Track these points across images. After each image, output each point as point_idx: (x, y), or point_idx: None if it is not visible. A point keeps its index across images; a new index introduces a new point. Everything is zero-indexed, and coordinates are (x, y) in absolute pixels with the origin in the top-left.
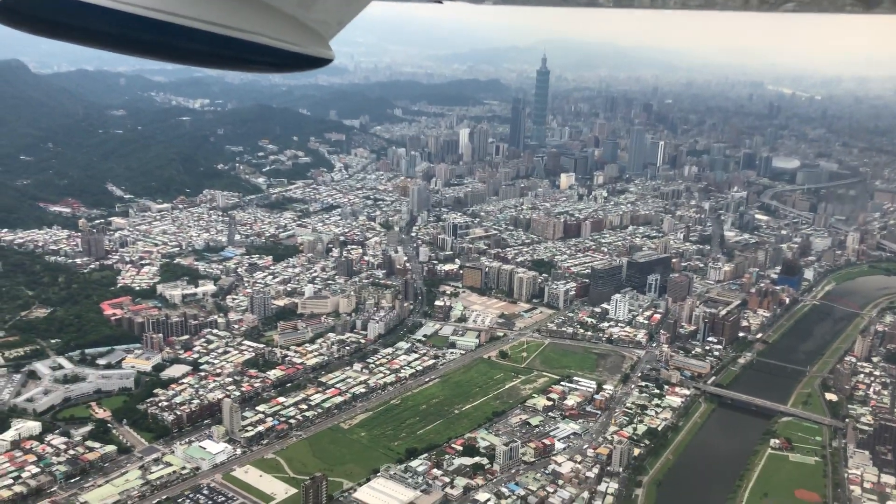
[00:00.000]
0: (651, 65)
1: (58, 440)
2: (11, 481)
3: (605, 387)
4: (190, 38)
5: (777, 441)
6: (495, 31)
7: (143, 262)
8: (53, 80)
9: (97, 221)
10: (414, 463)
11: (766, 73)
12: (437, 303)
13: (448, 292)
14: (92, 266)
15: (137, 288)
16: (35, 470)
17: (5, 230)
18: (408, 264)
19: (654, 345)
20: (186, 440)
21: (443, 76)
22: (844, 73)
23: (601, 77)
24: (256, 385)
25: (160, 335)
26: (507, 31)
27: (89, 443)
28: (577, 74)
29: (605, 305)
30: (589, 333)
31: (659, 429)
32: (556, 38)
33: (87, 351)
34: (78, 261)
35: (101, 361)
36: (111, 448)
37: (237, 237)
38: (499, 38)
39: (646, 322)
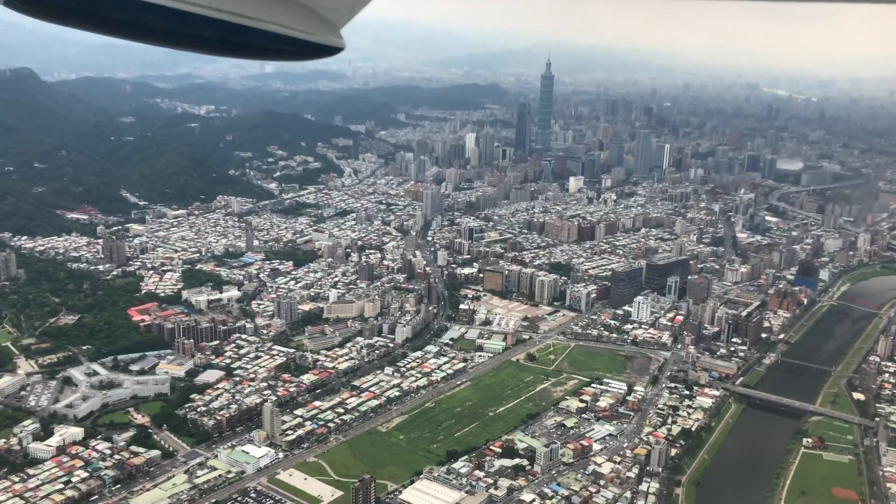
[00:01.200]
0: (646, 67)
1: (102, 445)
2: (62, 486)
3: (635, 388)
4: (203, 26)
5: (809, 440)
6: (490, 36)
7: (164, 268)
8: (61, 88)
9: (115, 228)
10: (456, 465)
11: (761, 75)
12: (462, 306)
13: (470, 296)
14: (114, 273)
15: (162, 294)
16: (84, 475)
17: (25, 237)
18: (427, 268)
19: (678, 346)
20: (228, 444)
21: (441, 81)
22: (839, 74)
23: (598, 80)
24: (291, 389)
25: (191, 341)
26: (502, 35)
27: (133, 448)
28: (574, 78)
29: (626, 308)
30: (614, 336)
31: (693, 429)
32: (550, 42)
33: (119, 357)
34: (100, 267)
35: (135, 367)
36: (155, 453)
37: (255, 243)
38: (493, 42)
39: (669, 324)
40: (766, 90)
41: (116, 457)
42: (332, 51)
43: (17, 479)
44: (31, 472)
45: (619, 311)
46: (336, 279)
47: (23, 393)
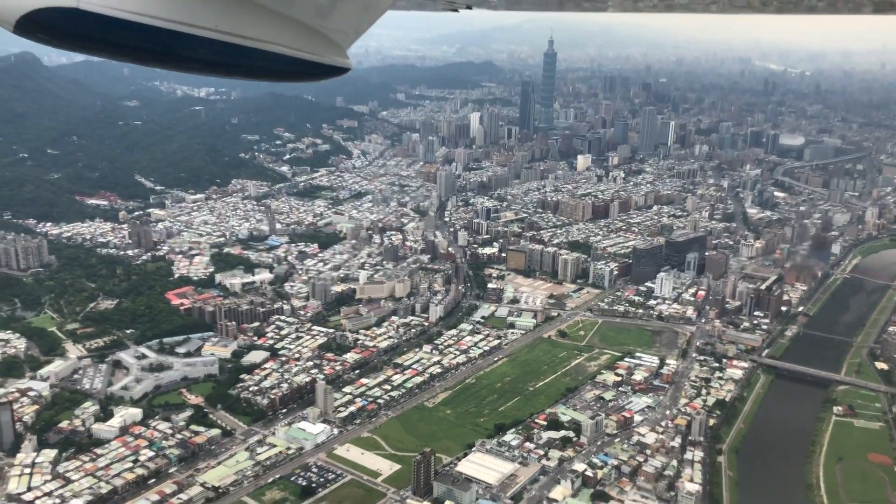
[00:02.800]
0: (638, 42)
1: (162, 425)
2: (131, 465)
3: (668, 362)
4: (210, 50)
5: (839, 408)
6: (478, 12)
7: (192, 252)
8: (63, 72)
9: (136, 213)
10: (507, 437)
11: (751, 48)
12: (491, 285)
13: (494, 275)
14: (144, 258)
15: (195, 278)
16: (150, 454)
17: (49, 224)
18: (450, 249)
19: (703, 321)
20: (284, 422)
21: (435, 59)
22: (828, 47)
23: (591, 56)
24: (337, 368)
25: (233, 323)
26: (490, 11)
27: (193, 427)
28: (566, 54)
29: (649, 284)
30: (640, 311)
31: (727, 400)
32: (539, 18)
33: (164, 340)
34: (130, 252)
35: (181, 350)
36: (215, 431)
37: (277, 226)
38: (483, 18)
39: (691, 299)
40: (758, 64)
41: (178, 436)
42: (338, 71)
43: (86, 458)
44: (98, 451)
45: (642, 288)
46: (362, 260)
47: (75, 376)
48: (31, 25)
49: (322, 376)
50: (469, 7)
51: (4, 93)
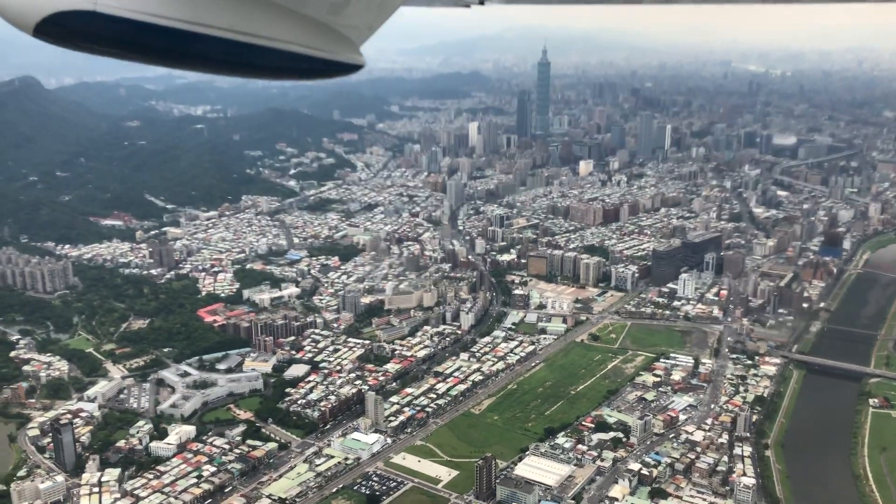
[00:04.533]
0: (619, 48)
1: (218, 441)
2: (195, 480)
3: (703, 361)
4: (225, 49)
5: (875, 401)
6: (460, 22)
7: (215, 269)
8: (63, 94)
9: (152, 233)
10: (559, 440)
11: (731, 50)
12: (518, 292)
13: (516, 281)
14: (168, 276)
15: (223, 295)
16: (212, 469)
17: (68, 246)
18: (469, 257)
19: (729, 319)
20: (338, 433)
21: (421, 70)
22: (806, 47)
23: (575, 63)
24: (380, 378)
25: (270, 338)
26: (473, 21)
27: (249, 441)
28: (552, 61)
29: (670, 285)
30: (666, 312)
31: (765, 396)
32: (520, 26)
33: (204, 357)
34: (153, 272)
35: (221, 366)
36: (272, 445)
37: (295, 240)
38: (465, 28)
39: (715, 298)
40: (739, 66)
41: (236, 451)
42: (352, 68)
43: (150, 476)
44: (161, 468)
45: (664, 289)
46: (384, 271)
47: (121, 396)
48: (49, 29)
49: (367, 387)
50: (481, 2)
51: (12, 117)
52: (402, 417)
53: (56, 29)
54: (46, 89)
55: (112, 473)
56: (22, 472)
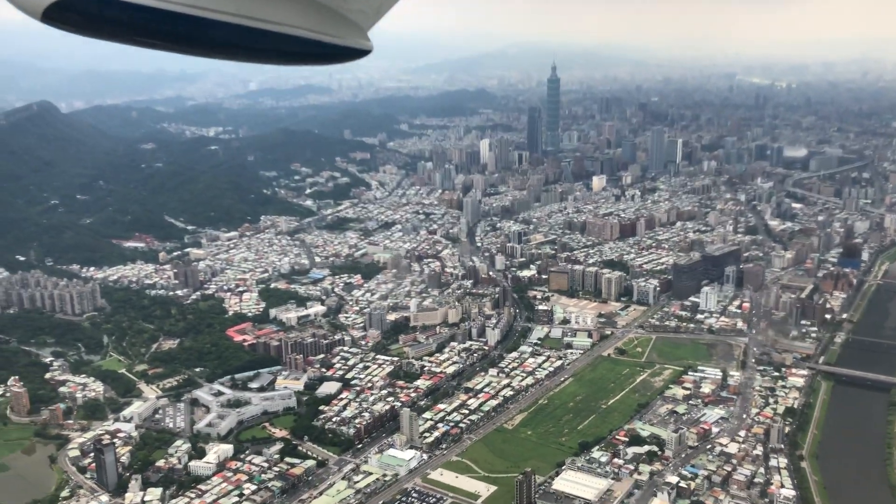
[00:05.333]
0: (621, 63)
1: (257, 459)
2: (237, 498)
3: (730, 373)
4: (233, 34)
5: None
6: (461, 39)
7: (239, 289)
8: (78, 118)
9: (175, 254)
10: (595, 454)
11: (734, 63)
12: (543, 307)
13: (539, 297)
14: (194, 297)
15: (249, 314)
16: (252, 487)
17: (93, 268)
18: (490, 273)
19: (753, 332)
20: (374, 450)
21: (427, 88)
22: (808, 58)
23: (579, 79)
24: (412, 395)
25: (300, 356)
26: (473, 38)
27: (288, 459)
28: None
29: (693, 298)
30: (691, 326)
31: (795, 407)
32: (522, 43)
33: (236, 376)
34: (179, 293)
35: (253, 385)
36: (311, 462)
37: (317, 259)
38: (467, 45)
39: (737, 311)
40: (741, 78)
41: (275, 468)
42: (359, 53)
43: (192, 494)
44: (202, 487)
45: (686, 303)
46: (407, 289)
47: (157, 416)
48: (58, 13)
49: (399, 404)
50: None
51: (31, 142)
52: (436, 433)
53: (64, 13)
54: (62, 113)
55: (154, 493)
56: (65, 493)
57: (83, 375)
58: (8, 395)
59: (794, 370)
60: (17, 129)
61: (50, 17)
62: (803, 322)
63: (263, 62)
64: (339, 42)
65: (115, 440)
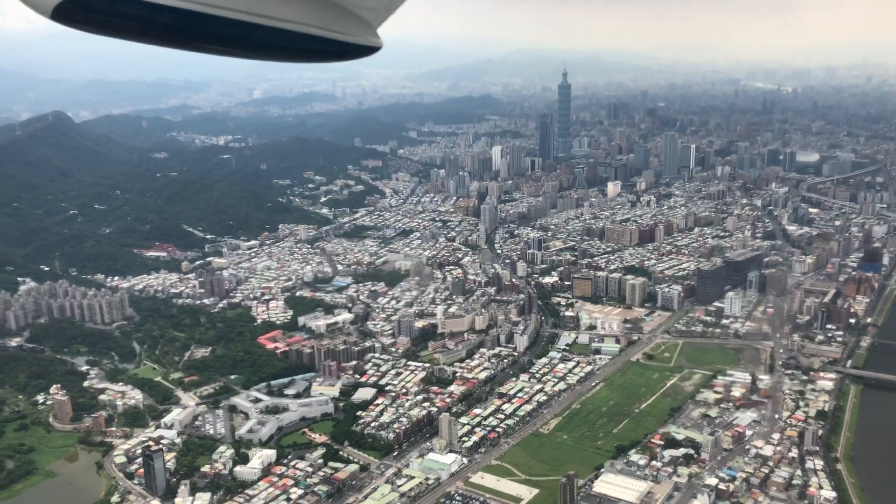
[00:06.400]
0: (625, 69)
1: (301, 464)
2: (285, 503)
3: (759, 377)
4: (242, 31)
5: None
6: (464, 46)
7: (265, 297)
8: (90, 127)
9: (197, 263)
10: (633, 457)
11: (735, 69)
12: (568, 313)
13: (563, 303)
14: (221, 305)
15: (278, 322)
16: (299, 491)
17: (117, 278)
18: (513, 280)
19: (778, 336)
20: (415, 454)
21: (432, 95)
22: (810, 63)
23: (583, 84)
24: (447, 400)
25: (334, 363)
26: (475, 45)
27: (331, 464)
28: (558, 84)
29: (717, 304)
30: (717, 331)
31: (826, 410)
32: (525, 50)
33: (271, 383)
34: (205, 301)
35: (289, 392)
36: (354, 467)
37: (339, 267)
38: (469, 52)
39: (762, 316)
40: (746, 83)
41: (319, 473)
42: (369, 50)
43: (240, 499)
44: (250, 492)
45: (711, 308)
46: (431, 296)
47: (197, 423)
48: (68, 11)
49: (435, 409)
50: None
51: (48, 152)
52: (474, 438)
53: (74, 11)
54: (76, 123)
55: (203, 498)
56: (115, 499)
57: (121, 383)
58: (49, 402)
59: (822, 374)
60: (34, 139)
61: (60, 15)
62: (828, 326)
63: (274, 59)
64: (349, 39)
65: (159, 446)
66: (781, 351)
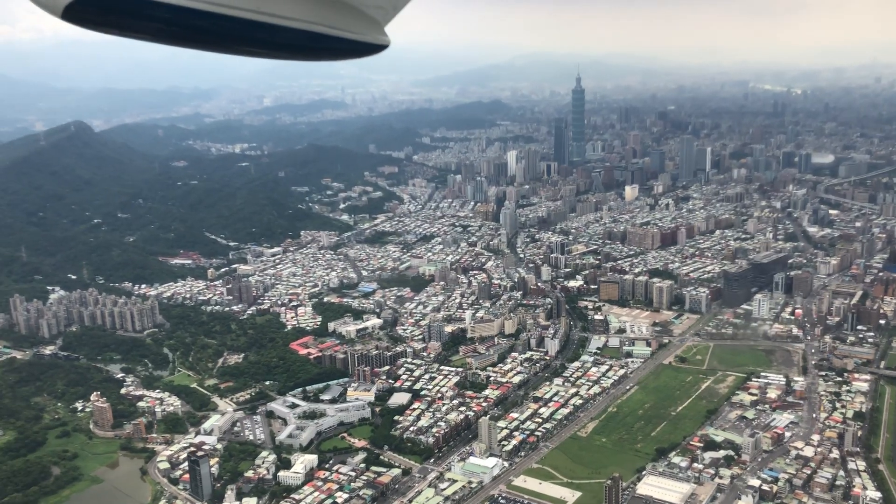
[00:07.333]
0: (630, 71)
1: (343, 469)
2: None
3: (794, 379)
4: (252, 30)
5: None
6: (470, 52)
7: (293, 303)
8: (109, 137)
9: (222, 270)
10: (675, 459)
11: (743, 71)
12: (597, 317)
13: (590, 307)
14: (249, 312)
15: (308, 328)
16: (345, 496)
17: (145, 286)
18: (539, 284)
19: (808, 338)
20: (455, 458)
21: (441, 101)
22: (818, 64)
23: (591, 88)
24: (483, 405)
25: (368, 368)
26: (480, 50)
27: (374, 468)
28: (567, 88)
29: (744, 306)
30: (748, 333)
31: (863, 411)
32: (530, 54)
33: (307, 389)
34: (234, 308)
35: (325, 397)
36: (397, 471)
37: (363, 273)
38: (475, 57)
39: (791, 318)
40: (755, 86)
41: (363, 477)
42: (377, 48)
43: (288, 503)
44: (296, 497)
45: (739, 310)
46: (457, 301)
47: (236, 428)
48: (78, 10)
49: (472, 413)
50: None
51: (71, 161)
52: (513, 441)
53: (84, 10)
54: (96, 132)
55: (250, 502)
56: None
57: (157, 390)
58: (87, 409)
59: (856, 375)
60: (57, 149)
61: (70, 13)
62: (859, 327)
63: (283, 58)
64: (357, 37)
65: (201, 452)
66: (813, 352)
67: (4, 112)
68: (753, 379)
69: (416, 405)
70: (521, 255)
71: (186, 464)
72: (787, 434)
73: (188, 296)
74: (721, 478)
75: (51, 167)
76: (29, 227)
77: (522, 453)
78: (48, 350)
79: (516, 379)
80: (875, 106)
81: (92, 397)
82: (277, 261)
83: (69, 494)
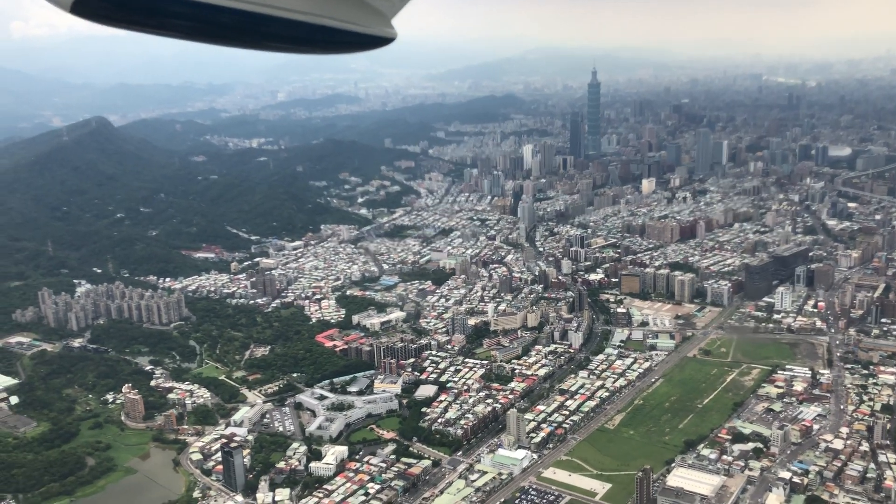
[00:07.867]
0: (643, 65)
1: (374, 460)
2: (364, 497)
3: (820, 371)
4: (259, 24)
5: None
6: (481, 46)
7: (317, 297)
8: (129, 132)
9: (245, 264)
10: (704, 452)
11: (756, 63)
12: (619, 310)
13: (612, 300)
14: (273, 305)
15: (333, 321)
16: (376, 486)
17: (169, 279)
18: (560, 277)
19: (832, 331)
20: (484, 450)
21: (454, 95)
22: (832, 56)
23: (603, 81)
24: (510, 397)
25: (394, 360)
26: (491, 43)
27: (404, 459)
28: (579, 82)
29: (766, 299)
30: (770, 326)
31: (891, 404)
32: (541, 48)
33: (334, 381)
34: (259, 301)
35: (352, 389)
36: (427, 462)
37: (385, 266)
38: (486, 51)
39: (814, 310)
40: (768, 78)
41: (393, 468)
42: (383, 41)
43: (321, 494)
44: (328, 487)
45: (761, 303)
46: (479, 294)
47: (265, 420)
48: (87, 5)
49: (499, 405)
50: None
51: (93, 157)
52: (542, 433)
53: (92, 4)
54: (116, 128)
55: (283, 493)
56: (196, 494)
57: (186, 382)
58: (119, 401)
59: (882, 368)
60: (79, 144)
61: (80, 7)
62: (883, 320)
63: (291, 51)
64: (363, 30)
65: (233, 443)
66: (838, 345)
67: (21, 107)
68: (779, 371)
69: (442, 397)
70: (541, 249)
71: (219, 455)
72: (816, 427)
73: (213, 289)
74: (751, 470)
75: (73, 162)
76: (53, 222)
77: (551, 445)
78: (77, 342)
79: (541, 372)
80: (892, 98)
81: (124, 389)
82: (299, 254)
83: (105, 485)
